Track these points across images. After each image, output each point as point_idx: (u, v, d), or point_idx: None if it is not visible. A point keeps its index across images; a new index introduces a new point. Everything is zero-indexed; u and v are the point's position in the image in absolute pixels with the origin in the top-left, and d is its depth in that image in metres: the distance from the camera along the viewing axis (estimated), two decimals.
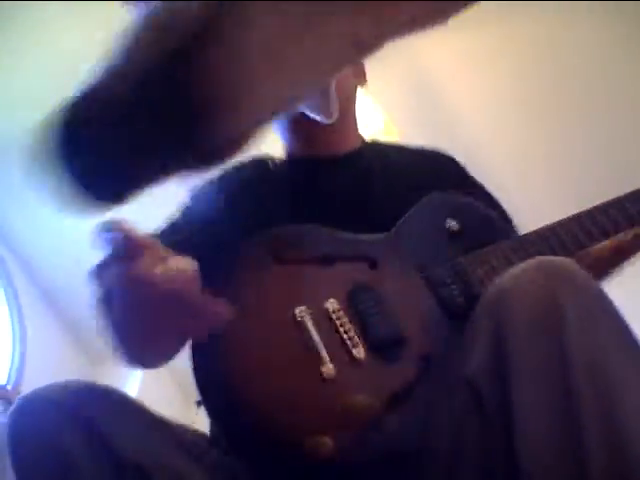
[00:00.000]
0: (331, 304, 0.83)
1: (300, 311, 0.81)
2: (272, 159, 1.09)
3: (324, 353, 0.78)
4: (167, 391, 3.69)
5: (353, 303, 0.83)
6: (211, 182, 1.04)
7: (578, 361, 0.56)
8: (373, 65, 0.90)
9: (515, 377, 0.57)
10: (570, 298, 0.60)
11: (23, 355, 3.22)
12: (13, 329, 3.24)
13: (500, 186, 1.08)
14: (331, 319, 0.81)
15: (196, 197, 1.04)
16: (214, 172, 0.95)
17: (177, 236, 0.95)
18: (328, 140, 1.05)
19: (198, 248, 0.81)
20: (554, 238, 0.87)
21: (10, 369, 3.15)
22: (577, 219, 0.90)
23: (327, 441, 0.69)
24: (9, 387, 3.07)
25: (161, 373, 3.65)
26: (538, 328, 0.59)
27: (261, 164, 1.06)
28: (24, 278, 3.29)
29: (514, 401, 0.58)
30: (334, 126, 0.95)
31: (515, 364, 0.59)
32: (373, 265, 0.91)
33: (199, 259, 0.70)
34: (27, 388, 3.20)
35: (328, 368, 0.77)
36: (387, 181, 1.02)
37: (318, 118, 0.85)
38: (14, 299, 3.25)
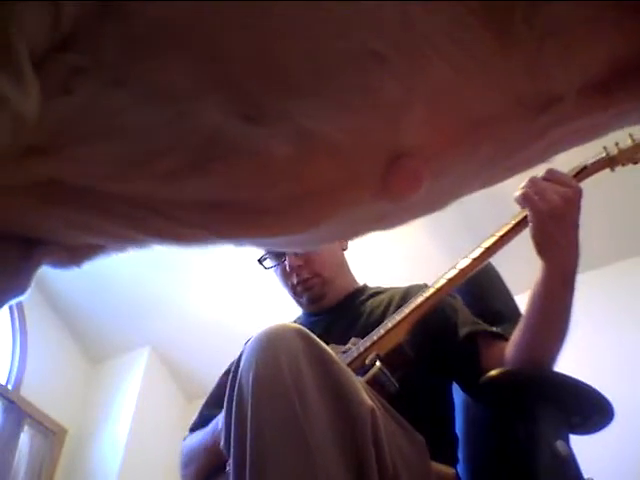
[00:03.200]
0: None
1: None
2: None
3: None
4: (167, 391, 3.70)
5: None
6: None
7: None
8: None
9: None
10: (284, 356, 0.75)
11: (23, 355, 3.22)
12: (14, 329, 3.25)
13: None
14: None
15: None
16: None
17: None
18: (327, 296, 1.26)
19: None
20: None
21: (10, 369, 3.16)
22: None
23: None
24: (9, 387, 3.08)
25: (161, 373, 3.65)
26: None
27: None
28: None
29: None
30: (331, 285, 1.25)
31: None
32: None
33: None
34: (27, 388, 3.20)
35: None
36: (370, 310, 1.21)
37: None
38: None
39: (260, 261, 1.26)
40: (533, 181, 0.94)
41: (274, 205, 0.42)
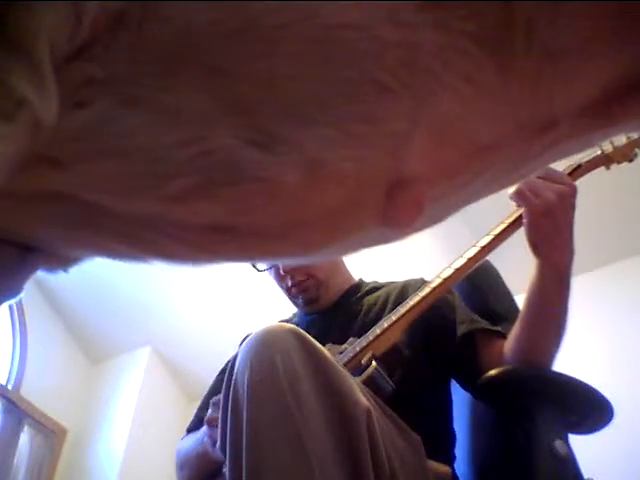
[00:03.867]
0: None
1: None
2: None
3: None
4: (167, 391, 3.70)
5: None
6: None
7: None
8: None
9: None
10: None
11: (23, 355, 3.23)
12: (14, 329, 3.25)
13: None
14: None
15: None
16: None
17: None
18: (323, 297, 1.26)
19: None
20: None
21: (10, 369, 3.16)
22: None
23: None
24: (9, 387, 3.08)
25: (161, 373, 3.65)
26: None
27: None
28: None
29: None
30: (326, 286, 1.25)
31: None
32: None
33: None
34: (27, 388, 3.20)
35: None
36: (367, 309, 1.20)
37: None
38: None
39: (253, 264, 1.26)
40: (527, 179, 0.94)
41: (277, 230, 0.43)
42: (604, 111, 0.41)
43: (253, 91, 0.34)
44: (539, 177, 0.95)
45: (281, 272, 1.22)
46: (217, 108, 0.34)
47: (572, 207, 0.93)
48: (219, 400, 0.97)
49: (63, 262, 0.49)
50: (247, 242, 0.43)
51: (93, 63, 0.31)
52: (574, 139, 0.43)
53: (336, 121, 0.37)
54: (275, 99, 0.35)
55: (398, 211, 0.42)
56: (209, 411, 1.01)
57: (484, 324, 1.09)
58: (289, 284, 1.24)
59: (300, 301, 1.26)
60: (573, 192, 0.93)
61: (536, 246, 0.94)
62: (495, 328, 1.09)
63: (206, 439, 0.98)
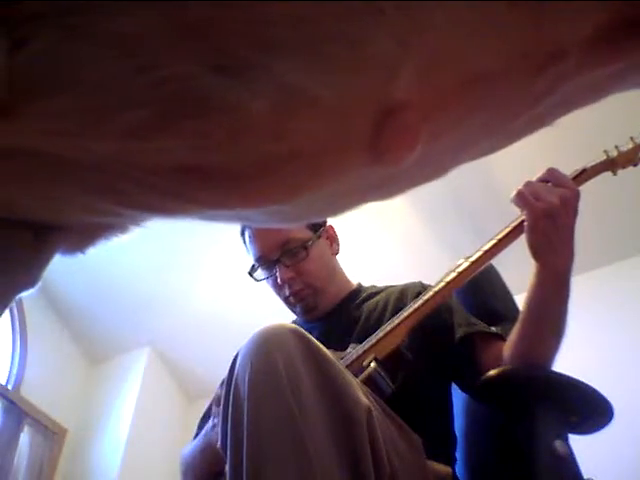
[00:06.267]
0: None
1: None
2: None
3: None
4: (167, 391, 3.70)
5: None
6: None
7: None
8: None
9: None
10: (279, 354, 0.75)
11: (23, 355, 3.22)
12: (14, 329, 3.25)
13: None
14: None
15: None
16: None
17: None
18: (321, 305, 1.26)
19: None
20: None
21: (10, 369, 3.16)
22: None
23: None
24: (9, 387, 3.08)
25: (161, 373, 3.65)
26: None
27: None
28: None
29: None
30: (324, 294, 1.24)
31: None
32: None
33: None
34: (27, 388, 3.19)
35: None
36: (367, 315, 1.20)
37: None
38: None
39: (250, 273, 1.26)
40: (529, 182, 0.94)
41: (253, 169, 0.39)
42: (612, 43, 0.38)
43: (212, 9, 0.31)
44: (543, 179, 0.94)
45: (278, 282, 1.22)
46: (171, 31, 0.31)
47: (574, 211, 0.92)
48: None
49: (80, 241, 0.47)
50: (221, 185, 0.40)
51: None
52: (583, 76, 0.40)
53: (313, 42, 0.33)
54: (236, 17, 0.31)
55: (390, 141, 0.38)
56: (213, 407, 1.01)
57: (482, 326, 1.09)
58: (287, 293, 1.24)
59: (298, 310, 1.26)
60: (576, 196, 0.93)
61: (536, 250, 0.93)
62: (493, 330, 1.09)
63: (211, 432, 0.98)
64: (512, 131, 0.45)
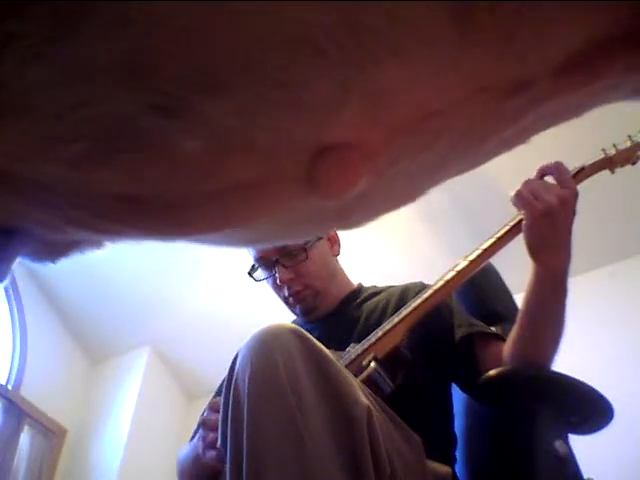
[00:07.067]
0: None
1: None
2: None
3: None
4: (167, 391, 3.70)
5: None
6: None
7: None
8: None
9: None
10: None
11: (23, 355, 3.22)
12: (14, 329, 3.24)
13: None
14: None
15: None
16: None
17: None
18: (321, 306, 1.25)
19: None
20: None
21: (10, 369, 3.16)
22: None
23: None
24: (9, 387, 3.08)
25: (161, 373, 3.65)
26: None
27: None
28: (25, 278, 3.30)
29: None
30: (324, 295, 1.24)
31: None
32: None
33: None
34: (27, 388, 3.19)
35: None
36: (367, 315, 1.20)
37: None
38: (15, 299, 3.25)
39: (250, 273, 1.25)
40: (528, 181, 0.94)
41: (192, 202, 0.40)
42: (585, 67, 0.38)
43: (163, 47, 0.31)
44: (549, 172, 0.95)
45: (278, 282, 1.22)
46: (120, 66, 0.31)
47: (572, 211, 0.93)
48: (215, 403, 0.96)
49: (50, 252, 0.48)
50: (158, 214, 0.41)
51: (15, 19, 0.29)
52: (557, 99, 0.40)
53: (254, 87, 0.33)
54: (186, 61, 0.31)
55: (325, 175, 0.38)
56: (205, 413, 1.00)
57: (482, 327, 1.09)
58: (286, 294, 1.24)
59: (298, 310, 1.26)
60: (575, 196, 0.93)
61: (534, 249, 0.94)
62: (493, 331, 1.10)
63: (198, 442, 0.97)
64: (484, 152, 0.45)
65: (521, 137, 0.44)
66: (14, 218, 0.42)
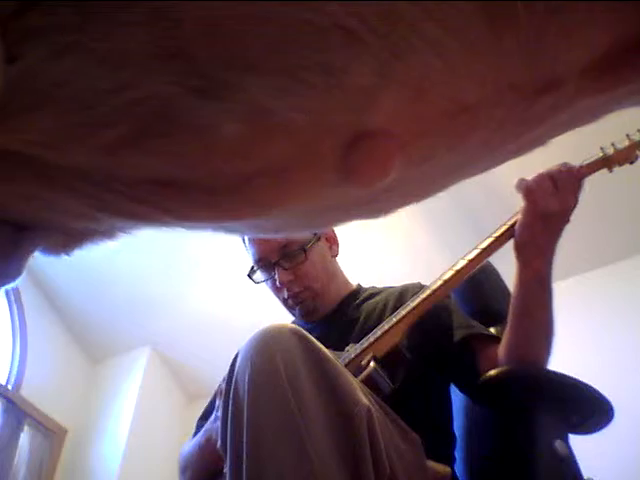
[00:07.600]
0: None
1: None
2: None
3: None
4: (167, 391, 3.70)
5: None
6: None
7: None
8: None
9: None
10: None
11: (23, 355, 3.22)
12: (14, 329, 3.24)
13: None
14: None
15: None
16: None
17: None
18: (320, 307, 1.25)
19: None
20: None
21: (10, 369, 3.16)
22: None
23: None
24: (9, 387, 3.08)
25: (161, 373, 3.65)
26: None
27: None
28: (25, 278, 3.29)
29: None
30: (323, 296, 1.24)
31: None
32: None
33: None
34: (27, 388, 3.19)
35: None
36: (366, 316, 1.20)
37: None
38: (15, 299, 3.25)
39: (249, 275, 1.25)
40: (541, 177, 0.95)
41: (225, 185, 0.40)
42: (613, 70, 0.38)
43: (197, 35, 0.31)
44: (557, 172, 0.95)
45: (277, 284, 1.22)
46: (155, 53, 0.32)
47: (567, 220, 0.95)
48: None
49: (67, 243, 0.48)
50: (195, 199, 0.41)
51: (36, 12, 0.29)
52: (577, 103, 0.41)
53: (290, 69, 0.33)
54: (221, 44, 0.32)
55: (358, 164, 0.38)
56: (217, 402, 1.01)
57: (480, 329, 1.10)
58: (285, 296, 1.24)
59: (297, 312, 1.26)
60: (575, 207, 0.95)
61: (521, 247, 0.96)
62: (491, 333, 1.10)
63: (215, 420, 0.97)
64: (512, 151, 0.46)
65: (543, 138, 0.45)
66: (43, 210, 0.42)
